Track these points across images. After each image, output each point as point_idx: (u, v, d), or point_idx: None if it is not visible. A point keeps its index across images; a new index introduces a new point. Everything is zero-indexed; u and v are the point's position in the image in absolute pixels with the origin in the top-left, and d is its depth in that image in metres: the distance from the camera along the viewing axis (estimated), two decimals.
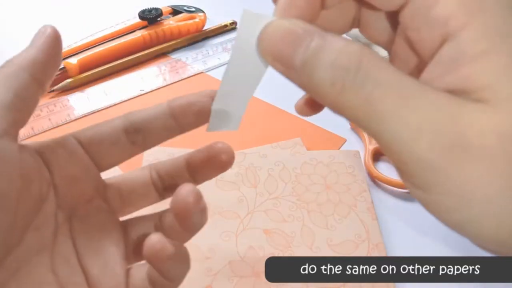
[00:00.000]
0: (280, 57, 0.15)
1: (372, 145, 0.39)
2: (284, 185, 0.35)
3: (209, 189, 0.32)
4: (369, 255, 0.31)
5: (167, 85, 0.47)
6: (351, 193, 0.35)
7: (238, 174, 0.35)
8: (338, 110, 0.14)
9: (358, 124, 0.14)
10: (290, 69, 0.15)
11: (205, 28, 0.56)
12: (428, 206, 0.15)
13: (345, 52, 0.14)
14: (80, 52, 0.49)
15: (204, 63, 0.50)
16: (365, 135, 0.40)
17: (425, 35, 0.14)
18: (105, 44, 0.50)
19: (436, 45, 0.14)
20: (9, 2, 0.64)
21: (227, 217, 0.32)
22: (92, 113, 0.44)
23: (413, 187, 0.15)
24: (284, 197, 0.34)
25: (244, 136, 0.41)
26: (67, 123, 0.43)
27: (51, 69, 0.20)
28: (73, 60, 0.48)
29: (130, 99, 0.46)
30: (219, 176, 0.32)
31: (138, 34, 0.52)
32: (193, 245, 0.28)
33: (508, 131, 0.13)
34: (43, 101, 0.45)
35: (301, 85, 0.15)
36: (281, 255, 0.30)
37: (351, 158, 0.37)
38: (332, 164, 0.37)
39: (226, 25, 0.56)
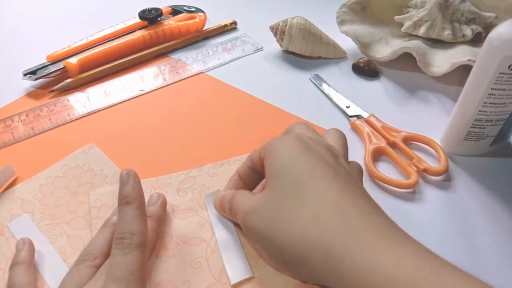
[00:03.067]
0: (220, 207, 0.31)
1: (372, 145, 0.39)
2: None
3: (167, 221, 0.33)
4: None
5: (167, 85, 0.47)
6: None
7: (193, 199, 0.35)
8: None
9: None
10: (224, 212, 0.31)
11: (205, 28, 0.56)
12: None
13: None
14: (81, 52, 0.49)
15: (204, 63, 0.50)
16: (365, 135, 0.40)
17: None
18: (105, 44, 0.51)
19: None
20: (10, 3, 0.64)
21: (193, 244, 0.31)
22: (93, 113, 0.44)
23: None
24: None
25: (244, 138, 0.41)
26: (67, 123, 0.43)
27: None
28: (73, 60, 0.48)
29: (130, 99, 0.46)
30: (174, 206, 0.34)
31: (138, 34, 0.52)
32: (166, 282, 0.29)
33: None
34: (43, 101, 0.45)
35: (231, 217, 0.30)
36: (254, 265, 0.30)
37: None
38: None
39: (226, 25, 0.56)
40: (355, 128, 0.41)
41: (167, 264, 0.30)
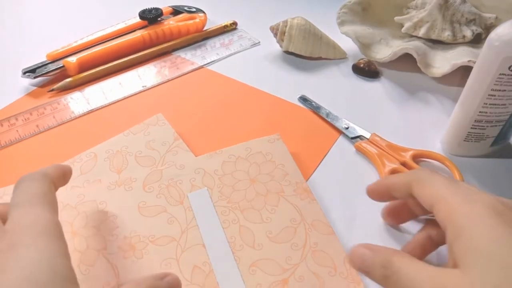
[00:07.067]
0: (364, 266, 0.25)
1: (387, 168, 0.36)
2: (211, 191, 0.34)
3: (134, 219, 0.32)
4: (307, 236, 0.31)
5: (168, 81, 0.48)
6: (275, 180, 0.35)
7: (160, 194, 0.33)
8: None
9: None
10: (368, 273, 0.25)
11: (205, 28, 0.56)
12: None
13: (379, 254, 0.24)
14: (80, 51, 0.49)
15: (203, 58, 0.51)
16: (376, 157, 0.38)
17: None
18: (105, 43, 0.50)
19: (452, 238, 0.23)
20: (10, 2, 0.64)
21: (162, 244, 0.30)
22: (92, 111, 0.44)
23: None
24: (214, 204, 0.33)
25: (245, 129, 0.41)
26: (71, 120, 0.43)
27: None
28: (73, 59, 0.48)
29: (131, 95, 0.46)
30: (140, 203, 0.33)
31: (138, 33, 0.52)
32: None
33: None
34: (45, 99, 0.45)
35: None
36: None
37: (266, 145, 0.37)
38: (250, 156, 0.36)
39: (226, 26, 0.56)
40: (360, 151, 0.39)
41: (135, 265, 0.29)
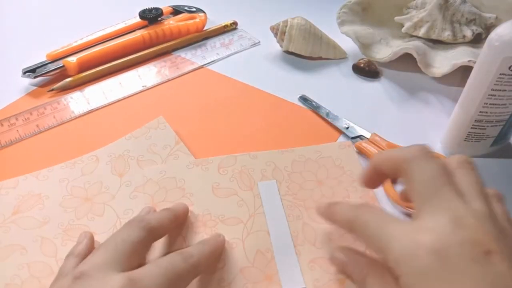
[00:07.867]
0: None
1: None
2: (279, 184, 0.35)
3: (208, 199, 0.34)
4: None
5: (168, 81, 0.48)
6: (342, 186, 0.35)
7: (233, 178, 0.35)
8: None
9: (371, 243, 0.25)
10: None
11: (205, 28, 0.56)
12: None
13: None
14: (80, 51, 0.49)
15: (203, 58, 0.51)
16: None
17: None
18: (105, 43, 0.50)
19: None
20: (10, 2, 0.64)
21: (231, 224, 0.32)
22: (92, 111, 0.44)
23: None
24: (281, 197, 0.34)
25: (245, 128, 0.41)
26: (71, 120, 0.43)
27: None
28: (73, 59, 0.48)
29: (131, 95, 0.46)
30: (214, 184, 0.35)
31: (138, 33, 0.52)
32: None
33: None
34: (45, 99, 0.45)
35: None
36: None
37: (336, 151, 0.38)
38: (320, 159, 0.37)
39: (226, 25, 0.56)
40: (360, 150, 0.39)
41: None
